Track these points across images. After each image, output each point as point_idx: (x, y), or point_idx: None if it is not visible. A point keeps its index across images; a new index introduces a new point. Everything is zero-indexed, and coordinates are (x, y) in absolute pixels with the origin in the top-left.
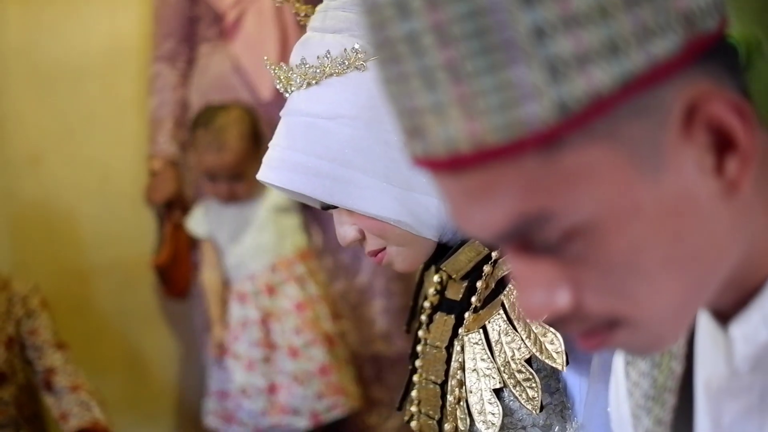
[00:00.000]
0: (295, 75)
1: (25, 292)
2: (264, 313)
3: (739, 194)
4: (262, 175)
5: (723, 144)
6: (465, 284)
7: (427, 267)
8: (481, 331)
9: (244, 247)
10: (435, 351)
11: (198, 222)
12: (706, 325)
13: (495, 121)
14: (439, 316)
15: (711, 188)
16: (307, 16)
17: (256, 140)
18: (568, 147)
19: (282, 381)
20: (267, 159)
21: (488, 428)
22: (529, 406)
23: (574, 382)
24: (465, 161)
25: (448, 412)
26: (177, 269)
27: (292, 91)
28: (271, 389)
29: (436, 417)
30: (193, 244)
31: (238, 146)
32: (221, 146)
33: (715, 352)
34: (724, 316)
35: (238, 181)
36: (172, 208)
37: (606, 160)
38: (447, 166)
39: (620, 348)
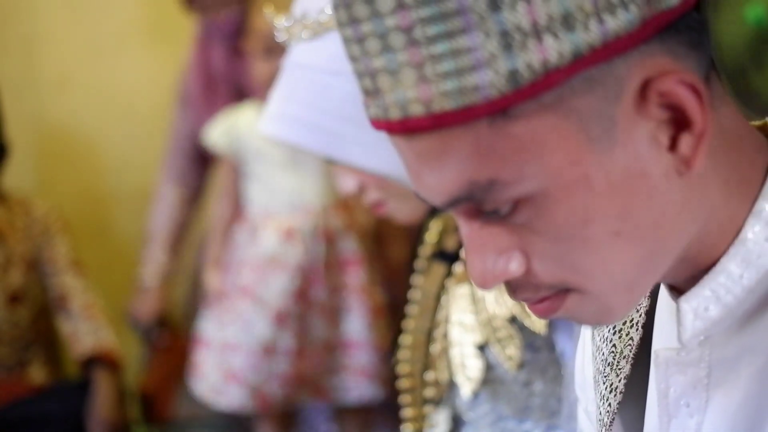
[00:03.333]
0: (297, 27)
1: (46, 214)
2: (309, 259)
3: (692, 172)
4: (261, 128)
5: (678, 121)
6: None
7: (432, 213)
8: (468, 285)
9: (305, 169)
10: (425, 299)
11: (220, 132)
12: (663, 297)
13: (448, 86)
14: (433, 265)
15: (664, 164)
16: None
17: None
18: (519, 116)
19: (312, 348)
20: (267, 111)
21: (467, 382)
22: (508, 364)
23: (567, 345)
24: (417, 125)
25: (431, 362)
26: (163, 395)
27: (293, 43)
28: (300, 353)
29: (421, 365)
30: (181, 370)
31: None
32: None
33: (669, 324)
34: (679, 290)
35: None
36: (160, 329)
37: (556, 130)
38: (400, 129)
39: (570, 317)
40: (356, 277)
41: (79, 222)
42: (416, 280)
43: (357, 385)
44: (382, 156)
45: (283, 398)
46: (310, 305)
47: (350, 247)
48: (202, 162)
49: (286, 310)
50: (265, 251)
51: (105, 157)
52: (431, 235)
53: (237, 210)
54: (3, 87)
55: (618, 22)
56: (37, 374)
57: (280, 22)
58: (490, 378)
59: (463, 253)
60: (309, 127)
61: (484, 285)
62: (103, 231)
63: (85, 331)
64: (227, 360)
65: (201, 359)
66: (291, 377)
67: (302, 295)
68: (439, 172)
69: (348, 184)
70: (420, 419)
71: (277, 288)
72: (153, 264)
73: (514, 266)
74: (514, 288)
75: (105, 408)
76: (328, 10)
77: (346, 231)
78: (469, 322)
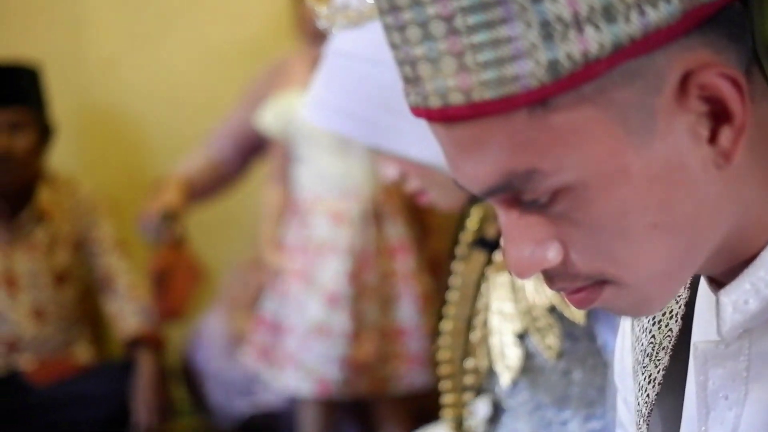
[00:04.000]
0: (338, 16)
1: (91, 194)
2: (362, 242)
3: (731, 165)
4: (304, 114)
5: (718, 114)
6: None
7: (473, 200)
8: (508, 273)
9: (354, 153)
10: (465, 287)
11: (273, 115)
12: (703, 289)
13: (487, 76)
14: (473, 252)
15: (703, 157)
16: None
17: None
18: (559, 107)
19: (367, 333)
20: (309, 98)
21: (506, 370)
22: (547, 354)
23: (609, 336)
24: (456, 114)
25: (471, 349)
26: (176, 282)
27: (335, 31)
28: (357, 336)
29: (461, 352)
30: (196, 274)
31: None
32: None
33: (708, 317)
34: (719, 283)
35: None
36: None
37: (595, 122)
38: (439, 117)
39: (607, 308)
40: (405, 264)
41: (123, 203)
42: (457, 266)
43: (408, 372)
44: (422, 144)
45: (343, 383)
46: (363, 289)
47: (399, 233)
48: (243, 148)
49: (339, 292)
50: (316, 235)
51: (150, 139)
52: (472, 222)
53: (287, 194)
54: (50, 69)
55: (659, 14)
56: (83, 354)
57: (322, 10)
58: (529, 367)
59: (502, 242)
60: (350, 116)
61: (521, 274)
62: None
63: (130, 311)
64: (283, 342)
65: (260, 338)
66: (349, 360)
67: (355, 278)
68: (477, 161)
69: (390, 172)
70: (459, 406)
71: (330, 271)
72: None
73: (552, 256)
74: (551, 277)
75: (148, 389)
76: (369, 0)
77: (394, 217)
78: (508, 310)
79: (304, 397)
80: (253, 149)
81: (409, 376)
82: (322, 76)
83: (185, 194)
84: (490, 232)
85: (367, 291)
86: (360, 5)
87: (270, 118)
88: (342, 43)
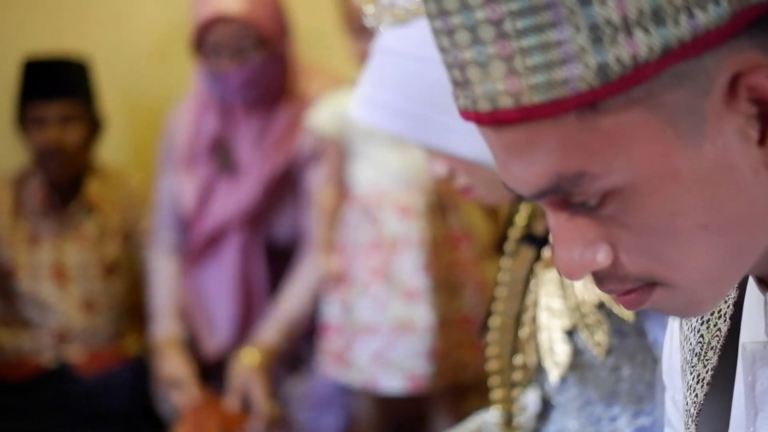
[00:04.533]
0: (385, 14)
1: (140, 187)
2: (430, 234)
3: None
4: (354, 112)
5: (767, 116)
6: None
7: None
8: (556, 269)
9: (412, 150)
10: (514, 283)
11: (327, 115)
12: (752, 289)
13: (537, 80)
14: (522, 248)
15: (752, 159)
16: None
17: None
18: (608, 110)
19: (444, 323)
20: (358, 95)
21: (555, 367)
22: (596, 350)
23: (660, 333)
24: (506, 117)
25: (520, 346)
26: None
27: (382, 28)
28: (440, 328)
29: (509, 348)
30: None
31: None
32: None
33: (757, 317)
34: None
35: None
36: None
37: (645, 125)
38: (489, 120)
39: (658, 309)
40: (466, 252)
41: None
42: (505, 262)
43: (474, 360)
44: (470, 141)
45: (437, 376)
46: (436, 281)
47: (460, 223)
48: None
49: (418, 287)
50: (387, 231)
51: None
52: (520, 218)
53: (342, 193)
54: (98, 62)
55: (708, 16)
56: (131, 345)
57: (369, 8)
58: (577, 363)
59: (551, 238)
60: (398, 113)
61: (570, 276)
62: None
63: None
64: (366, 343)
65: (333, 344)
66: (437, 352)
67: (429, 270)
68: (526, 164)
69: (438, 168)
70: (508, 401)
71: (406, 266)
72: (165, 336)
73: (601, 258)
74: (600, 279)
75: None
76: None
77: (456, 206)
78: (557, 307)
79: (396, 395)
80: None
81: (475, 364)
82: (370, 73)
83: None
84: (538, 228)
85: (438, 282)
86: (407, 3)
87: (324, 116)
88: (389, 40)
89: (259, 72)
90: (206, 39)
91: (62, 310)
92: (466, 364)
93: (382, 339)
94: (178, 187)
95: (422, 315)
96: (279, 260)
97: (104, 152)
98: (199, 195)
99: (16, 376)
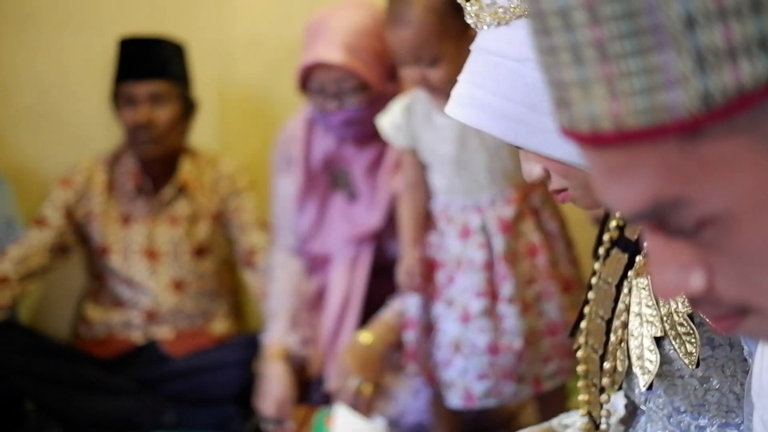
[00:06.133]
0: (485, 13)
1: (233, 171)
2: (491, 254)
3: None
4: (449, 111)
5: None
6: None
7: None
8: (649, 277)
9: (472, 166)
10: (606, 287)
11: (397, 126)
12: None
13: (638, 104)
14: (615, 253)
15: None
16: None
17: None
18: (709, 137)
19: (506, 340)
20: (455, 94)
21: (644, 374)
22: (686, 360)
23: (753, 345)
24: (606, 139)
25: (610, 351)
26: None
27: (482, 28)
28: (493, 350)
29: (599, 352)
30: None
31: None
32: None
33: None
34: None
35: (432, 65)
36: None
37: (746, 153)
38: (589, 141)
39: (751, 335)
40: (542, 262)
41: (261, 181)
42: (597, 266)
43: (562, 366)
44: (567, 144)
45: (487, 394)
46: (499, 300)
47: (530, 234)
48: None
49: (473, 309)
50: (450, 252)
51: (290, 118)
52: (614, 223)
53: (422, 203)
54: (194, 47)
55: None
56: (219, 326)
57: (470, 6)
58: (667, 372)
59: (645, 245)
60: (496, 114)
61: (664, 297)
62: None
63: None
64: (434, 353)
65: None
66: (488, 373)
67: (489, 292)
68: (625, 186)
69: (533, 171)
70: (596, 405)
71: (463, 287)
72: (277, 342)
73: (696, 282)
74: (694, 302)
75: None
76: None
77: (522, 219)
78: (649, 314)
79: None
80: None
81: (563, 370)
82: (468, 73)
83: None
84: (632, 234)
85: (503, 301)
86: (507, 2)
87: (393, 127)
88: (489, 41)
89: (359, 113)
90: (310, 80)
91: (152, 289)
92: (555, 372)
93: (441, 354)
94: (297, 197)
95: (474, 336)
96: (388, 275)
97: (197, 136)
98: (316, 214)
99: (106, 353)
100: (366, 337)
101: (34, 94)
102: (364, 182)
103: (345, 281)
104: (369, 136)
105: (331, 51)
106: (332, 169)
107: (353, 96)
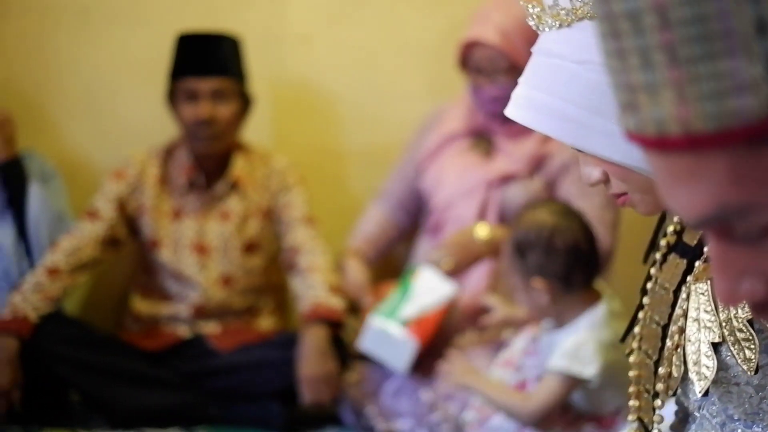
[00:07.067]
0: (546, 15)
1: (284, 167)
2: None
3: None
4: (509, 112)
5: None
6: (699, 231)
7: None
8: (708, 282)
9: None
10: (663, 292)
11: None
12: None
13: (707, 108)
14: (672, 258)
15: None
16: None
17: None
18: None
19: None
20: (515, 96)
21: (700, 380)
22: (745, 366)
23: None
24: (673, 144)
25: (665, 356)
26: None
27: (543, 30)
28: (521, 386)
29: (654, 357)
30: None
31: None
32: None
33: None
34: None
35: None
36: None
37: None
38: (655, 145)
39: None
40: None
41: (313, 176)
42: (653, 271)
43: None
44: (627, 147)
45: None
46: None
47: None
48: (413, 207)
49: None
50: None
51: (343, 114)
52: (671, 228)
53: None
54: (249, 42)
55: None
56: (265, 322)
57: (531, 8)
58: (722, 378)
59: (705, 250)
60: (555, 116)
61: (726, 304)
62: (336, 186)
63: (306, 286)
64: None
65: None
66: None
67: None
68: (691, 191)
69: (592, 174)
70: (647, 411)
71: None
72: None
73: (759, 290)
74: (756, 309)
75: (310, 363)
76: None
77: None
78: (707, 319)
79: None
80: (420, 209)
81: None
82: (529, 74)
83: (367, 277)
84: (690, 239)
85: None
86: (570, 4)
87: None
88: (550, 43)
89: (508, 91)
90: (469, 57)
91: (200, 284)
92: None
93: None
94: (424, 171)
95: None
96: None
97: (249, 132)
98: (453, 166)
99: (152, 346)
100: (482, 229)
101: (88, 87)
102: (504, 145)
103: (474, 219)
104: None
105: (488, 32)
106: (474, 135)
107: (504, 75)
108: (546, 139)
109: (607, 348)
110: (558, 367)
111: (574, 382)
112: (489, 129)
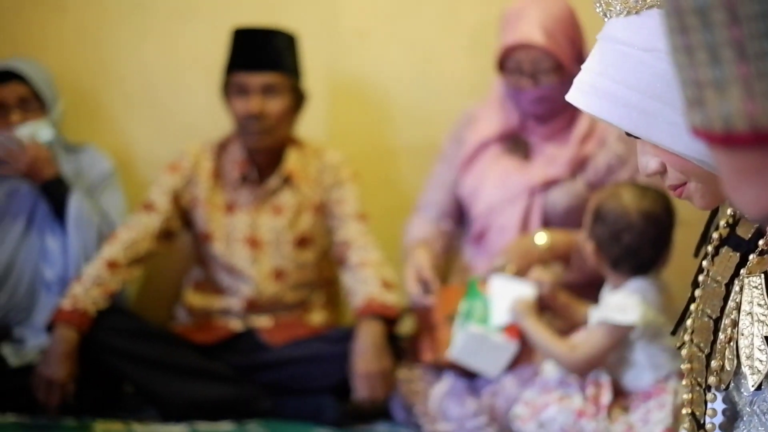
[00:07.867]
0: (616, 2)
1: (337, 162)
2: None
3: None
4: (571, 98)
5: None
6: (756, 224)
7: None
8: (762, 276)
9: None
10: (715, 285)
11: None
12: None
13: None
14: (725, 251)
15: None
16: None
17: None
18: None
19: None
20: (578, 81)
21: (753, 374)
22: None
23: None
24: (740, 140)
25: (718, 350)
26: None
27: (611, 17)
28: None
29: (706, 351)
30: None
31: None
32: None
33: None
34: None
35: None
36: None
37: None
38: (722, 141)
39: None
40: None
41: (365, 172)
42: (705, 263)
43: None
44: (689, 138)
45: None
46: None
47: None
48: (457, 215)
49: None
50: None
51: (397, 111)
52: (723, 221)
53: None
54: (305, 38)
55: None
56: (316, 317)
57: None
58: None
59: (760, 243)
60: (619, 103)
61: None
62: (389, 183)
63: (359, 281)
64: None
65: None
66: None
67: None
68: (758, 188)
69: (649, 163)
70: (699, 404)
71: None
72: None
73: None
74: None
75: (364, 359)
76: None
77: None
78: (761, 313)
79: None
80: (462, 216)
81: None
82: (593, 61)
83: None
84: (744, 233)
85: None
86: None
87: None
88: (617, 29)
89: (551, 92)
90: (509, 59)
91: (253, 278)
92: None
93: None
94: (461, 178)
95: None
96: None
97: (303, 127)
98: (492, 173)
99: (205, 339)
100: (542, 236)
101: (145, 81)
102: (542, 148)
103: (518, 225)
104: (556, 112)
105: (534, 33)
106: (509, 139)
107: (547, 75)
108: (585, 139)
109: (650, 307)
110: (601, 317)
111: (617, 331)
112: (524, 131)
